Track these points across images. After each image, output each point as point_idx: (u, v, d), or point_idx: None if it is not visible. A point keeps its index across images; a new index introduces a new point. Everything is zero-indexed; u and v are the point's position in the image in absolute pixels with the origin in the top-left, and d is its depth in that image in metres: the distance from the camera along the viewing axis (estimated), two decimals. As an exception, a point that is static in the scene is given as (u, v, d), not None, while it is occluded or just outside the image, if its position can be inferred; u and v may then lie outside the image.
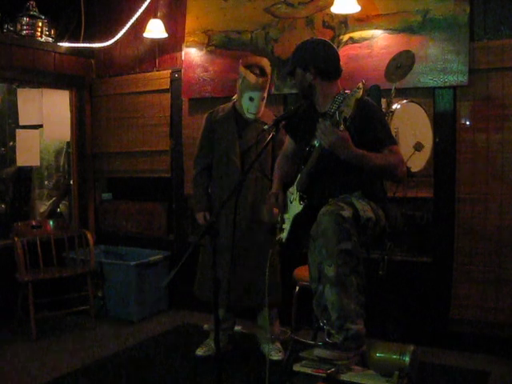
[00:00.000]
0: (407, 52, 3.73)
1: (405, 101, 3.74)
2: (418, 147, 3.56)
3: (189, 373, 3.76)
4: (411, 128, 3.62)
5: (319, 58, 2.92)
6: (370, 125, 2.79)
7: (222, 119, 3.95)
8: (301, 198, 2.93)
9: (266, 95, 3.91)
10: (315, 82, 2.93)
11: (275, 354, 3.86)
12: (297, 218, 2.92)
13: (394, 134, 3.47)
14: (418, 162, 3.62)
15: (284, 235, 2.98)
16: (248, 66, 3.88)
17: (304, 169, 2.91)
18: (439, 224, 4.16)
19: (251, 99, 3.84)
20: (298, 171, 3.01)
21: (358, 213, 2.68)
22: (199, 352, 4.00)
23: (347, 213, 2.63)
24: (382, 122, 2.91)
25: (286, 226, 2.98)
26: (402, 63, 3.69)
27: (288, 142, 3.33)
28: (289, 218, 2.98)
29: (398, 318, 4.03)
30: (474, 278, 4.05)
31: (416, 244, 4.23)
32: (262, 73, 3.86)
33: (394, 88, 3.68)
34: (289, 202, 3.03)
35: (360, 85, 2.56)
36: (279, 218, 3.05)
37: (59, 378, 3.70)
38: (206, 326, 4.13)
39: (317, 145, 2.79)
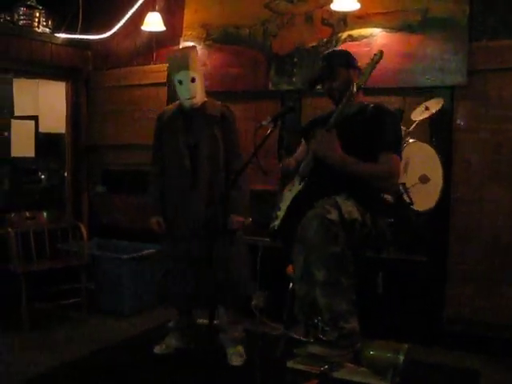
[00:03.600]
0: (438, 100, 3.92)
1: (416, 141, 3.85)
2: (424, 180, 3.67)
3: (181, 367, 3.74)
4: (420, 162, 3.75)
5: (352, 58, 3.13)
6: (379, 126, 2.84)
7: (169, 118, 3.78)
8: (301, 180, 2.98)
9: (196, 76, 3.65)
10: (354, 80, 3.01)
11: (235, 359, 3.75)
12: (294, 199, 2.95)
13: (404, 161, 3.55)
14: (423, 200, 3.74)
15: (277, 222, 2.99)
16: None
17: (308, 155, 3.01)
18: (434, 224, 4.16)
19: (180, 82, 3.64)
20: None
21: (343, 215, 2.70)
22: (157, 350, 3.93)
23: (333, 216, 2.66)
24: (392, 127, 2.94)
25: (281, 214, 2.99)
26: (431, 106, 3.87)
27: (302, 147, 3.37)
28: (284, 205, 3.01)
29: (392, 317, 4.04)
30: (467, 277, 4.07)
31: (411, 243, 4.23)
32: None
33: (415, 123, 3.88)
34: (287, 192, 3.05)
35: (377, 52, 2.93)
36: (275, 209, 3.08)
37: (52, 370, 3.68)
38: (170, 323, 4.07)
39: None
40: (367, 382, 2.50)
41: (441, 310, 4.13)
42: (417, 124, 3.89)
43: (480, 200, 4.04)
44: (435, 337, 4.09)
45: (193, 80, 3.63)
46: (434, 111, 3.85)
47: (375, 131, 2.86)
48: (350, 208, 2.74)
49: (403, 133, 3.63)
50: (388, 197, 3.27)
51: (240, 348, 3.83)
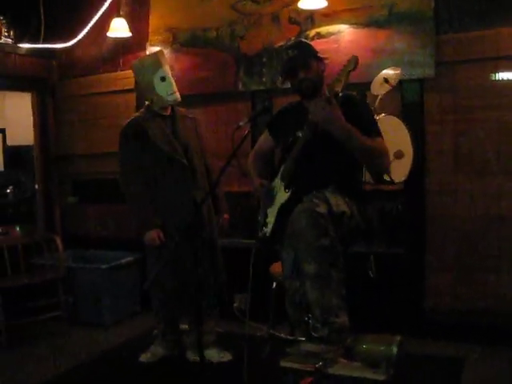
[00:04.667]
0: (395, 69, 3.87)
1: (382, 114, 3.83)
2: (399, 155, 3.68)
3: (168, 374, 3.71)
4: (393, 137, 3.71)
5: (316, 50, 3.07)
6: (356, 119, 2.82)
7: (148, 127, 3.62)
8: (286, 187, 2.95)
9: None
10: (323, 72, 3.03)
11: (223, 355, 3.80)
12: (283, 207, 2.93)
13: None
14: (400, 173, 3.73)
15: (269, 229, 2.99)
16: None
17: (289, 157, 2.96)
18: (410, 215, 4.21)
19: (163, 79, 3.61)
20: (281, 162, 3.07)
21: (332, 208, 2.71)
22: (143, 358, 3.88)
23: (322, 209, 2.66)
24: (368, 116, 2.99)
25: (271, 220, 2.99)
26: (389, 77, 3.81)
27: (264, 140, 3.38)
28: (273, 210, 2.99)
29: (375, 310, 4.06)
30: (446, 267, 4.12)
31: (388, 236, 4.27)
32: None
33: (378, 98, 3.84)
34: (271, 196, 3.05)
35: (351, 58, 2.75)
36: (261, 214, 3.07)
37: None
38: (155, 331, 3.99)
39: (301, 135, 2.88)
40: (362, 375, 2.51)
41: (421, 300, 4.18)
42: (380, 99, 3.86)
43: (454, 189, 4.10)
44: (418, 327, 4.12)
45: (171, 74, 3.68)
46: (394, 83, 3.82)
47: (350, 122, 2.83)
48: (338, 201, 2.75)
49: None
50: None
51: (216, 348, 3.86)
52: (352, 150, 2.80)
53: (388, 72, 3.87)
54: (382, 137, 2.93)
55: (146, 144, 3.61)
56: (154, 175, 3.64)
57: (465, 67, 4.01)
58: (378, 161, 2.91)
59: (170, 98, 3.64)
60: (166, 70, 3.67)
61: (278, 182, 3.03)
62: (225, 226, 3.78)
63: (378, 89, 3.87)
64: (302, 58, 2.98)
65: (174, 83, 3.66)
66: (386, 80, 3.82)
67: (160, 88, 3.62)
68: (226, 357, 3.79)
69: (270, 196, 3.06)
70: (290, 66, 3.01)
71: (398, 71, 3.87)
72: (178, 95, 3.66)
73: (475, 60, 3.97)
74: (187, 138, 3.70)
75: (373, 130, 2.90)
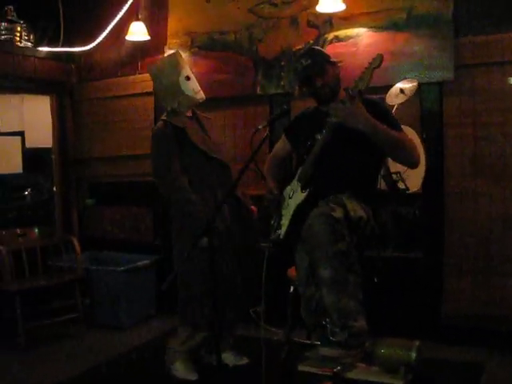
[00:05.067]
0: (411, 80, 3.89)
1: None
2: None
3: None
4: None
5: (329, 56, 3.10)
6: (380, 117, 2.82)
7: (183, 129, 3.56)
8: (303, 187, 2.95)
9: None
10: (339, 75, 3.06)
11: (240, 359, 3.78)
12: (299, 208, 2.93)
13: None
14: (414, 181, 3.76)
15: (282, 231, 2.98)
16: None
17: (307, 159, 2.96)
18: (428, 219, 4.19)
19: (188, 78, 3.62)
20: (299, 165, 3.07)
21: (349, 213, 2.70)
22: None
23: (338, 214, 2.66)
24: (390, 114, 3.05)
25: (285, 222, 2.98)
26: (405, 89, 3.82)
27: (281, 146, 3.39)
28: (287, 213, 2.99)
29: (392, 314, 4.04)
30: (464, 271, 4.08)
31: (406, 240, 4.24)
32: None
33: (395, 108, 3.80)
34: (287, 198, 3.04)
35: (376, 56, 2.74)
36: (274, 217, 3.07)
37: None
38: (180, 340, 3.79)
39: (319, 138, 2.88)
40: (380, 381, 2.49)
41: (439, 305, 4.14)
42: (396, 109, 3.83)
43: (473, 193, 4.06)
44: (435, 331, 4.09)
45: None
46: (410, 94, 3.83)
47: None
48: (354, 206, 2.75)
49: None
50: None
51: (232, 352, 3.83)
52: (380, 143, 2.81)
53: (404, 85, 3.88)
54: (405, 133, 2.93)
55: (185, 144, 3.55)
56: (195, 175, 3.56)
57: (484, 70, 3.97)
58: (407, 153, 2.89)
59: (197, 96, 3.65)
60: (188, 69, 3.69)
61: (295, 184, 3.03)
62: (254, 217, 3.74)
63: (394, 99, 3.87)
64: (316, 65, 3.00)
65: (196, 82, 3.68)
66: (401, 90, 3.84)
67: (186, 87, 3.62)
68: (243, 360, 3.78)
69: (287, 197, 3.07)
70: (306, 74, 3.03)
71: (415, 83, 3.88)
72: (202, 93, 3.68)
73: (495, 63, 3.93)
74: (215, 138, 3.74)
75: (398, 127, 2.92)
